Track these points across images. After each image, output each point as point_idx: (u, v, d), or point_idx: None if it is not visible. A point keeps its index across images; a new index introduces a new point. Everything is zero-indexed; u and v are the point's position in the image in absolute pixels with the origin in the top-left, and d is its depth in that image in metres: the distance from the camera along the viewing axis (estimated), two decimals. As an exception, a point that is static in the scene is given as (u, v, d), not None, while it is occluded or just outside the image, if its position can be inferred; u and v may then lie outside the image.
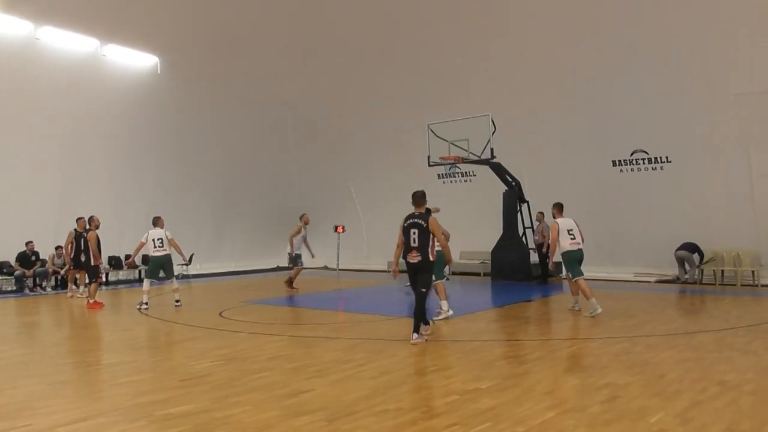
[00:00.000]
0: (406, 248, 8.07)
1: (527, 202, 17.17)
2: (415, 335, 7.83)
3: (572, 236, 10.31)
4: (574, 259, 10.29)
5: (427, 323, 8.30)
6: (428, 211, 8.70)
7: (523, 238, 17.23)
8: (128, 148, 19.71)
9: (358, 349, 7.58)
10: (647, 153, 16.78)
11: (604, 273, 16.52)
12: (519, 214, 17.27)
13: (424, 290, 7.98)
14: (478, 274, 18.63)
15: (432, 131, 17.09)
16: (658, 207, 16.47)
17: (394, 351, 7.45)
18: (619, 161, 17.24)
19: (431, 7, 19.51)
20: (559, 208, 10.76)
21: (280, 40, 21.64)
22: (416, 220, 8.05)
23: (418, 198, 8.33)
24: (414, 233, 7.97)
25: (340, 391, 5.66)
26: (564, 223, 10.48)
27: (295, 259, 15.28)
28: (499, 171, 16.74)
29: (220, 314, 10.89)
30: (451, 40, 19.52)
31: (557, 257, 11.16)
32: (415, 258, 7.90)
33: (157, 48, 20.30)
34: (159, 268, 12.19)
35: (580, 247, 10.35)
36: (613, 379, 5.90)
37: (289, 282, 15.35)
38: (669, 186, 16.32)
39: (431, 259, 7.92)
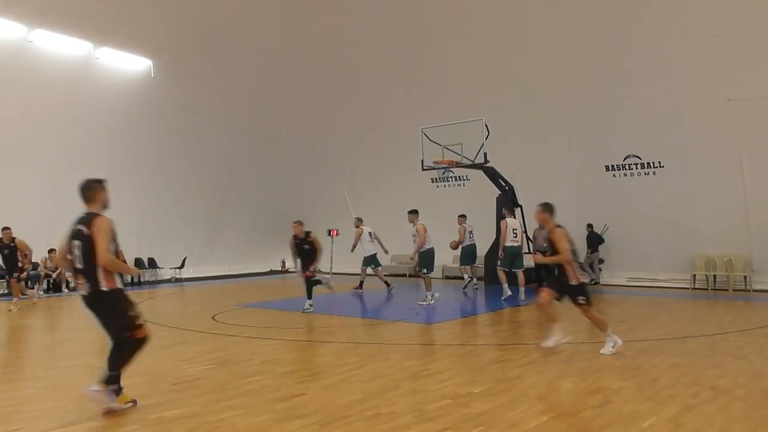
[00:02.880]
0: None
1: (521, 207, 17.20)
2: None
3: (515, 234, 13.47)
4: (514, 253, 13.31)
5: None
6: None
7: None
8: (121, 151, 19.65)
9: (351, 353, 7.56)
10: (640, 158, 16.85)
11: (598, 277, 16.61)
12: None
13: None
14: (471, 279, 18.58)
15: (426, 135, 17.11)
16: (650, 212, 16.53)
17: (387, 355, 7.44)
18: (613, 166, 17.30)
19: (425, 12, 19.57)
20: (510, 210, 13.83)
21: (274, 45, 21.64)
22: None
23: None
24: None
25: (333, 395, 5.65)
26: (511, 223, 13.67)
27: (372, 260, 15.82)
28: (493, 175, 16.77)
29: (213, 318, 10.85)
30: (445, 45, 19.59)
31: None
32: None
33: (151, 51, 20.26)
34: None
35: (519, 243, 13.58)
36: (605, 384, 5.91)
37: (360, 284, 15.87)
38: (662, 191, 16.39)
39: None
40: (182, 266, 20.47)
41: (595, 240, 17.09)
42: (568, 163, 17.90)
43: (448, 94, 19.65)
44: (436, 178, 20.71)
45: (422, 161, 17.17)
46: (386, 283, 15.67)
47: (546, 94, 18.01)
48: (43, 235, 16.96)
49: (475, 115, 16.25)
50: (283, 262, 25.02)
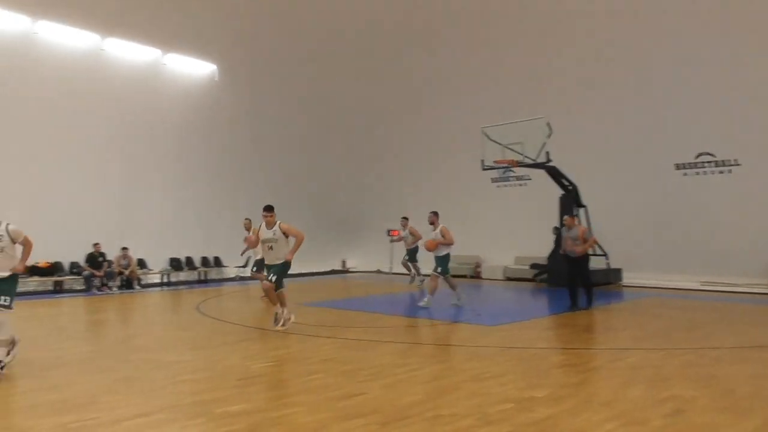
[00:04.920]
0: None
1: (585, 207, 16.75)
2: None
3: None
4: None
5: None
6: None
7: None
8: (187, 152, 20.35)
9: (411, 354, 7.55)
10: (714, 156, 16.12)
11: (668, 281, 15.97)
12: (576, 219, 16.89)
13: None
14: (533, 281, 18.29)
15: (486, 135, 16.92)
16: (724, 213, 15.78)
17: (447, 356, 7.39)
18: (683, 164, 16.62)
19: (485, 9, 19.36)
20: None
21: (332, 45, 21.88)
22: None
23: None
24: None
25: (393, 395, 5.65)
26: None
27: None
28: (556, 175, 16.41)
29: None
30: (506, 42, 19.31)
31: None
32: None
33: (215, 56, 20.96)
34: None
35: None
36: (677, 392, 5.67)
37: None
38: (737, 191, 15.62)
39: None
40: (246, 265, 20.95)
41: None
42: (635, 161, 17.32)
43: (509, 92, 19.38)
44: (496, 178, 20.45)
45: (482, 161, 16.99)
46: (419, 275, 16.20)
47: (610, 87, 17.50)
48: (117, 234, 17.80)
49: (537, 113, 15.96)
50: (344, 262, 25.28)
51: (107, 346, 8.89)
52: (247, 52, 21.16)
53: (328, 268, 24.43)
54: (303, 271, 23.08)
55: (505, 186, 20.51)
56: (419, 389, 5.84)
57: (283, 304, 9.47)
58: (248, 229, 13.55)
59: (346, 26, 21.42)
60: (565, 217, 12.24)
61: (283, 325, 9.34)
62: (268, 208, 9.62)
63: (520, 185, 20.14)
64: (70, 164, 17.48)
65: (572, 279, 11.75)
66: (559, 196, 16.70)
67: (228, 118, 21.30)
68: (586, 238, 11.58)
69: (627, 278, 16.95)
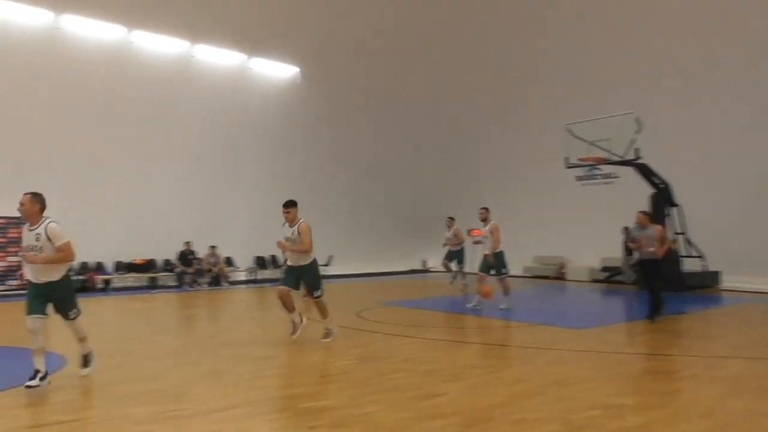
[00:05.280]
0: None
1: (678, 206, 15.91)
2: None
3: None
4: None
5: None
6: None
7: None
8: (271, 153, 20.98)
9: (493, 355, 7.43)
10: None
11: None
12: (668, 218, 16.06)
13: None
14: (622, 283, 17.57)
15: (570, 132, 16.40)
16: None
17: (531, 359, 7.21)
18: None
19: (570, 3, 18.78)
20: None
21: (417, 45, 21.88)
22: None
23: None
24: None
25: (475, 396, 5.57)
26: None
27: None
28: (646, 172, 15.68)
29: (358, 314, 11.18)
30: (590, 35, 18.65)
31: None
32: None
33: (298, 59, 21.49)
34: None
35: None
36: (783, 404, 5.26)
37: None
38: None
39: None
40: (328, 264, 21.35)
41: None
42: (737, 155, 16.26)
43: (595, 87, 18.70)
44: (581, 176, 19.76)
45: (566, 158, 16.49)
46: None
47: (705, 79, 16.54)
48: (207, 233, 18.59)
49: (625, 109, 15.31)
50: (424, 262, 25.24)
51: (198, 340, 9.29)
52: (330, 54, 21.55)
53: (408, 268, 24.47)
54: (382, 271, 23.27)
55: (591, 184, 19.79)
56: (501, 391, 5.73)
57: (324, 315, 8.55)
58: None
59: (430, 28, 21.36)
60: (638, 213, 10.39)
61: (326, 337, 8.42)
62: (289, 204, 8.61)
63: (607, 183, 19.36)
64: (164, 166, 18.46)
65: (650, 285, 10.30)
66: (650, 194, 15.96)
67: (310, 119, 21.80)
68: (664, 239, 10.16)
69: (726, 282, 15.95)
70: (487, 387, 5.92)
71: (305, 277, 8.32)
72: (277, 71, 21.44)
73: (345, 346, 8.12)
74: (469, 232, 22.11)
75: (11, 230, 15.65)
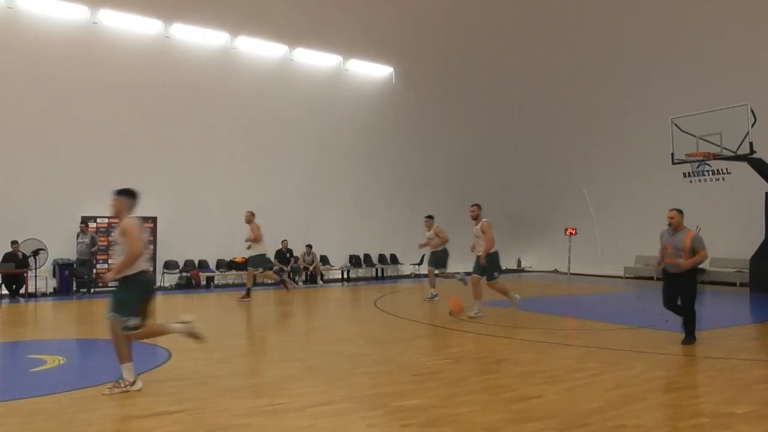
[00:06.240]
0: None
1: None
2: None
3: None
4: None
5: None
6: None
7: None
8: (366, 152, 21.33)
9: (591, 358, 7.15)
10: None
11: None
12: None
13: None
14: (734, 284, 16.43)
15: (676, 125, 15.51)
16: None
17: (632, 363, 6.88)
18: None
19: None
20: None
21: (513, 42, 21.48)
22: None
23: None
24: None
25: (572, 400, 5.39)
26: None
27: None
28: (762, 168, 14.55)
29: (450, 314, 11.13)
30: (694, 23, 17.51)
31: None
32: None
33: (392, 59, 21.70)
34: None
35: None
36: None
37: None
38: None
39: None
40: (421, 263, 21.40)
41: None
42: None
43: (702, 77, 17.56)
44: (689, 173, 18.66)
45: (672, 154, 15.61)
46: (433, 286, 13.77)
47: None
48: (303, 232, 19.19)
49: (737, 101, 14.29)
50: (519, 261, 24.76)
51: (294, 337, 9.59)
52: (424, 53, 21.55)
53: (502, 267, 24.08)
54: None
55: (700, 181, 18.64)
56: (600, 396, 5.51)
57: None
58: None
59: (528, 24, 20.88)
60: (670, 211, 8.11)
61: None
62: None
63: (718, 180, 18.17)
64: (262, 166, 19.22)
65: (668, 301, 8.21)
66: (766, 191, 14.82)
67: (403, 118, 21.93)
68: (696, 249, 7.84)
69: None
70: (584, 391, 5.71)
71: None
72: (371, 71, 21.78)
73: (437, 346, 8.11)
74: (565, 230, 21.49)
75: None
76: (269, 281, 14.39)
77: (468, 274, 12.27)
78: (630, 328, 9.56)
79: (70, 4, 16.11)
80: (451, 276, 13.73)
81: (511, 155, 24.04)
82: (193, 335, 6.01)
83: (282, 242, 18.64)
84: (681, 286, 8.00)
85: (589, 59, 20.44)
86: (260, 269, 13.84)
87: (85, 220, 16.04)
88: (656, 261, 8.32)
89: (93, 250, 15.70)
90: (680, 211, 8.03)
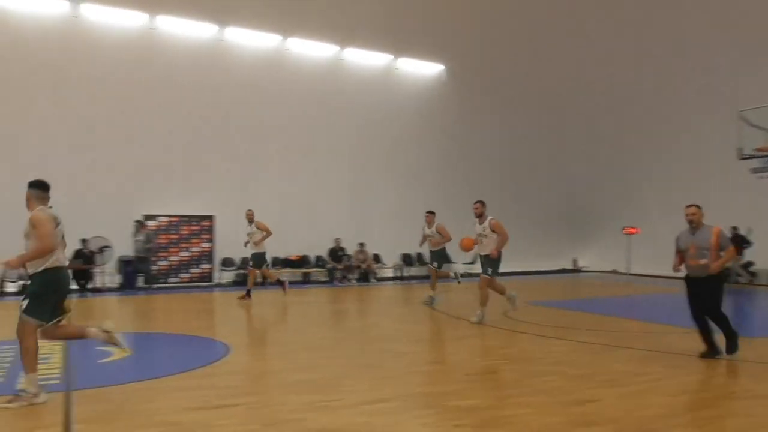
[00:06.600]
0: None
1: None
2: None
3: None
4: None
5: None
6: None
7: None
8: (417, 151, 21.28)
9: (653, 362, 6.91)
10: None
11: None
12: None
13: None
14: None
15: (745, 119, 14.82)
16: None
17: (697, 368, 6.61)
18: None
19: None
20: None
21: (567, 37, 21.01)
22: None
23: None
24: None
25: (632, 405, 5.22)
26: None
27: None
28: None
29: (505, 313, 10.98)
30: (763, 6, 16.65)
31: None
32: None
33: (443, 57, 21.58)
34: None
35: None
36: None
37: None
38: None
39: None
40: (473, 261, 21.19)
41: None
42: None
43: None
44: (758, 168, 17.78)
45: (739, 149, 14.94)
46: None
47: None
48: (355, 230, 19.30)
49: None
50: (575, 260, 24.22)
51: (348, 334, 9.65)
52: (476, 50, 21.36)
53: (558, 267, 23.62)
54: (529, 270, 22.64)
55: (770, 177, 17.77)
56: (663, 402, 5.31)
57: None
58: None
59: (582, 20, 20.39)
60: (689, 207, 7.26)
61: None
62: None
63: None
64: (315, 166, 19.46)
65: (696, 310, 7.27)
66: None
67: (455, 115, 21.79)
68: (724, 246, 7.07)
69: None
70: (646, 396, 5.52)
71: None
72: (422, 69, 21.74)
73: (491, 346, 8.02)
74: (624, 229, 20.85)
75: (184, 227, 17.36)
76: (270, 280, 14.27)
77: (464, 276, 12.14)
78: (694, 332, 9.20)
79: (134, 12, 16.96)
80: (445, 275, 13.37)
81: (569, 152, 23.51)
82: (112, 342, 5.61)
83: (335, 240, 18.83)
84: (707, 291, 7.06)
85: (650, 51, 19.77)
86: (263, 267, 13.63)
87: (140, 219, 16.54)
88: (674, 265, 7.47)
89: (148, 247, 16.23)
90: (699, 207, 7.26)
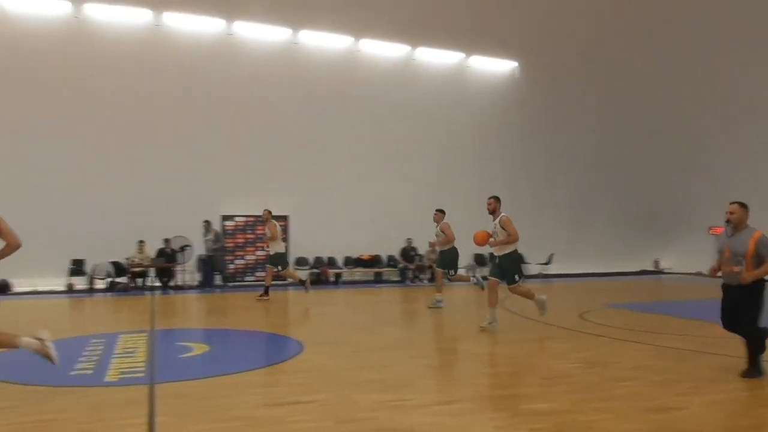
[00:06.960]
0: None
1: None
2: None
3: None
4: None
5: None
6: None
7: None
8: (490, 149, 21.06)
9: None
10: None
11: None
12: None
13: None
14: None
15: None
16: None
17: (794, 377, 6.17)
18: None
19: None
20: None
21: (642, 31, 20.19)
22: None
23: None
24: None
25: (720, 414, 4.93)
26: None
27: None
28: None
29: (581, 316, 10.66)
30: None
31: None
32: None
33: (516, 54, 21.27)
34: None
35: None
36: None
37: None
38: None
39: None
40: (549, 262, 20.69)
41: None
42: None
43: None
44: None
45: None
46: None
47: None
48: (426, 230, 19.21)
49: None
50: (657, 262, 23.23)
51: (419, 334, 9.63)
52: (549, 47, 20.88)
53: (638, 268, 22.72)
54: (608, 271, 21.89)
55: None
56: (755, 412, 5.00)
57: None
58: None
59: (656, 13, 19.54)
60: (731, 204, 6.29)
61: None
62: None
63: None
64: (387, 166, 19.60)
65: (730, 321, 6.36)
66: None
67: (528, 113, 21.38)
68: (762, 255, 5.98)
69: None
70: (737, 405, 5.20)
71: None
72: (494, 67, 21.52)
73: (567, 349, 7.78)
74: (710, 229, 19.78)
75: (259, 227, 17.85)
76: (291, 279, 14.11)
77: (485, 277, 11.13)
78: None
79: (211, 17, 17.71)
80: (466, 278, 13.07)
81: (649, 149, 22.53)
82: (43, 354, 5.31)
83: (406, 240, 18.85)
84: (740, 299, 6.13)
85: (733, 46, 18.67)
86: (279, 267, 13.29)
87: (208, 220, 16.99)
88: (713, 269, 6.56)
89: (216, 246, 16.76)
90: (743, 205, 6.21)
